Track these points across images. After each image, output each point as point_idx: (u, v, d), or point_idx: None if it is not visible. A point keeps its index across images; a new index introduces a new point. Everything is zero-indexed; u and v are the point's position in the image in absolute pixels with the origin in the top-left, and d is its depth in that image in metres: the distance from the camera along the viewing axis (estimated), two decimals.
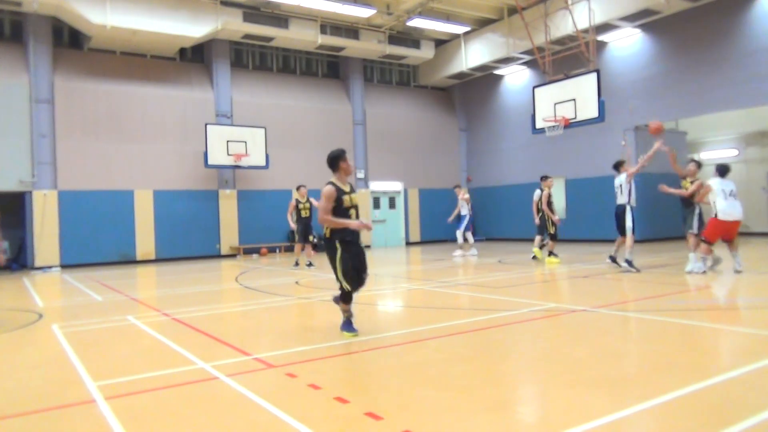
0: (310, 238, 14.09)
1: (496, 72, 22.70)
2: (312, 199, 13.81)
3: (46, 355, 5.50)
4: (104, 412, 3.68)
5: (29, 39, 16.70)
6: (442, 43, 22.61)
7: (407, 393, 3.91)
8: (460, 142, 24.93)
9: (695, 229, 10.14)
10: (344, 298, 5.76)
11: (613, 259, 11.12)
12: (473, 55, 21.56)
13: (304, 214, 14.00)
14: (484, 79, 23.48)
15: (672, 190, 10.41)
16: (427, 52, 22.12)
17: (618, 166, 11.02)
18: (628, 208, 10.69)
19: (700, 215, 10.31)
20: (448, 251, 16.87)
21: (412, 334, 5.76)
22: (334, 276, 5.73)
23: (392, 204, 23.20)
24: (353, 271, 5.63)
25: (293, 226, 14.11)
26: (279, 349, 5.20)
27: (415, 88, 24.44)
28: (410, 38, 21.61)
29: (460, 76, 23.09)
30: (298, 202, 14.08)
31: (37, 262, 16.36)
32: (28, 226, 16.59)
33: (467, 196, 15.95)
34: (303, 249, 14.13)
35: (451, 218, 16.30)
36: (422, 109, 24.13)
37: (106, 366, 4.92)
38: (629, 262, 10.55)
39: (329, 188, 5.61)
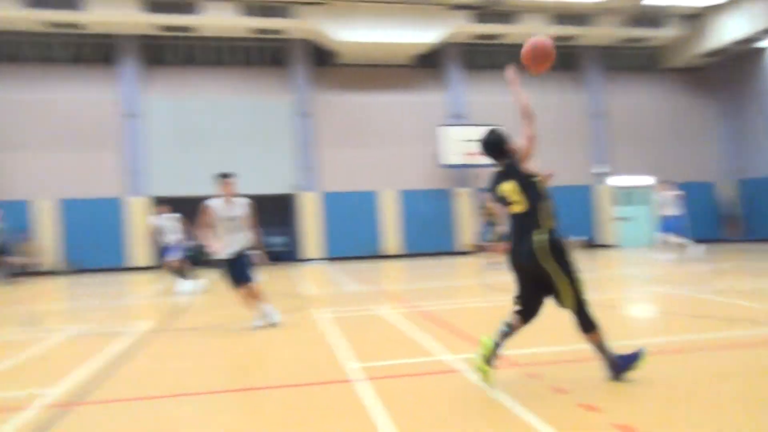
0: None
1: (761, 45, 19.35)
2: (490, 204, 13.91)
3: (312, 336, 6.29)
4: (362, 391, 4.08)
5: (291, 62, 19.33)
6: (689, 18, 20.06)
7: (666, 408, 3.58)
8: (717, 128, 21.87)
9: None
10: (592, 325, 4.03)
11: None
12: (728, 27, 18.71)
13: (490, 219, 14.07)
14: (746, 55, 20.20)
15: None
16: (671, 30, 19.87)
17: None
18: None
19: None
20: (714, 252, 14.88)
21: (671, 344, 5.21)
22: (559, 295, 4.03)
23: (639, 200, 21.36)
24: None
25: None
26: (522, 348, 5.17)
27: (661, 72, 22.12)
28: (651, 17, 19.61)
29: (715, 53, 20.22)
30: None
31: (305, 255, 18.83)
32: (297, 224, 19.20)
33: (678, 192, 13.55)
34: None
35: (669, 215, 13.94)
36: (671, 93, 21.78)
37: (361, 350, 5.43)
38: None
39: None
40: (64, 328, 7.62)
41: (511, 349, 5.17)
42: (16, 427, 3.55)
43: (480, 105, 20.23)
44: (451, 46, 20.12)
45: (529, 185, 3.98)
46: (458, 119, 20.02)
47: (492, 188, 4.20)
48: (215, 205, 6.60)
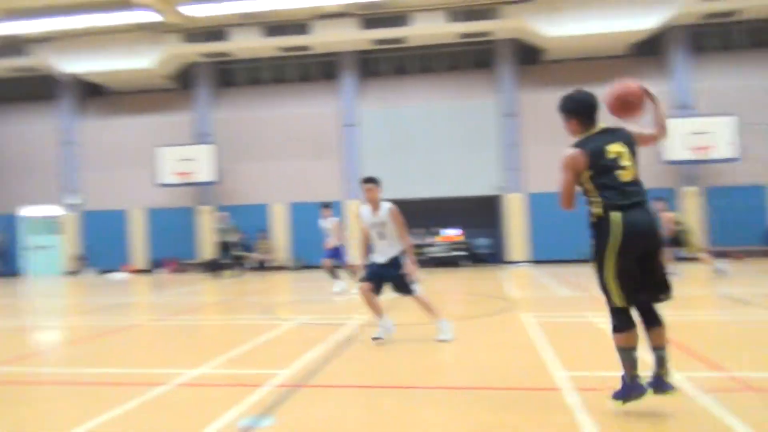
0: None
1: None
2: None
3: (517, 340, 6.17)
4: (571, 401, 3.88)
5: (497, 62, 19.21)
6: None
7: None
8: None
9: None
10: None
11: None
12: None
13: None
14: None
15: None
16: None
17: None
18: None
19: None
20: None
21: None
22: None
23: None
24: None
25: None
26: (762, 370, 4.47)
27: None
28: None
29: None
30: None
31: (509, 257, 18.60)
32: (501, 225, 19.05)
33: None
34: None
35: None
36: None
37: (571, 358, 5.19)
38: None
39: None
40: (294, 317, 8.57)
41: (748, 371, 4.52)
42: (254, 401, 4.09)
43: (710, 93, 17.90)
44: (675, 30, 18.14)
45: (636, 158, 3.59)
46: (684, 110, 17.98)
47: (593, 149, 3.59)
48: (363, 211, 6.39)
